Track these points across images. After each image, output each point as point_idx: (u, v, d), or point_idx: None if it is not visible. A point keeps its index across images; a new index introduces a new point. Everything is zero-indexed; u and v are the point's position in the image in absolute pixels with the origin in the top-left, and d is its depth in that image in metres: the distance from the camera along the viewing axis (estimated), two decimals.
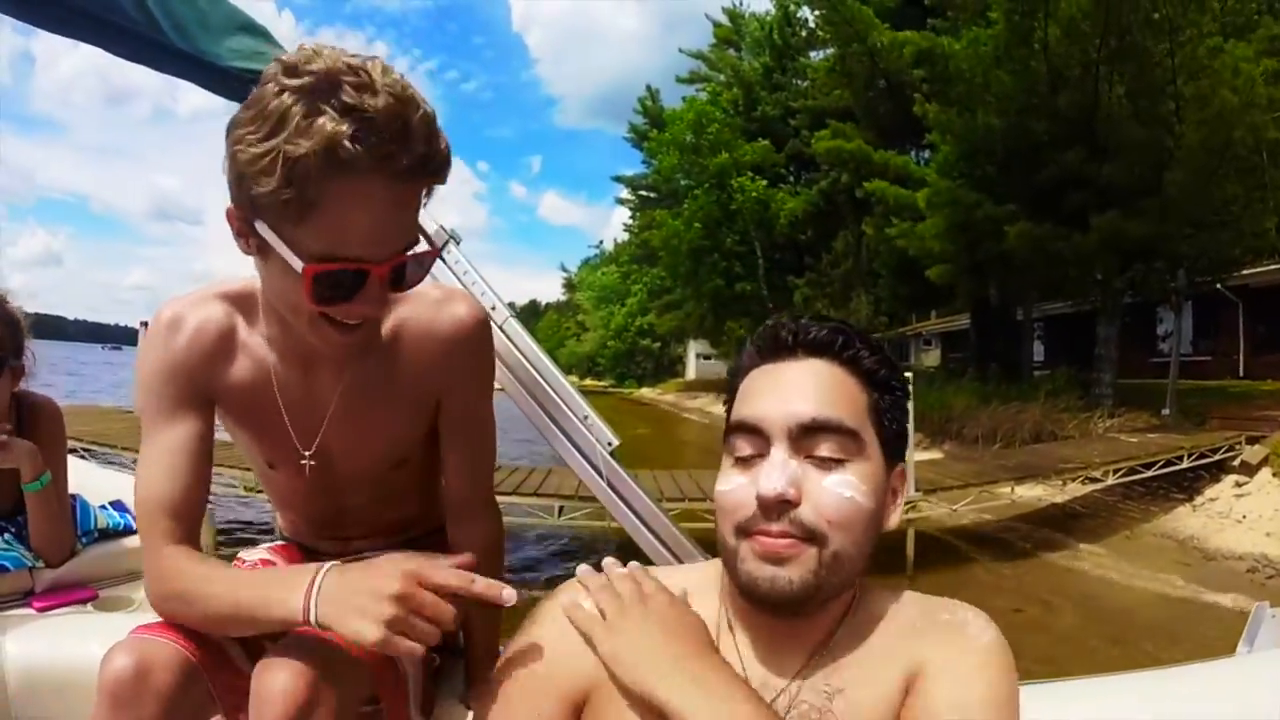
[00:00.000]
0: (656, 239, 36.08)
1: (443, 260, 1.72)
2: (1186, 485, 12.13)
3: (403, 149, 1.00)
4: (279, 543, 1.64)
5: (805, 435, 0.90)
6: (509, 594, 1.01)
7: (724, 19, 38.76)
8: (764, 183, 31.99)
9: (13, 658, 1.66)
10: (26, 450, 2.08)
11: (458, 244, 1.73)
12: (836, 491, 0.88)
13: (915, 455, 10.49)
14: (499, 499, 1.55)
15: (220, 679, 1.22)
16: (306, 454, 1.37)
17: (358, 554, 1.59)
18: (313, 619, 1.03)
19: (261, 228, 1.06)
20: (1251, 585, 9.00)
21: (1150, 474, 11.60)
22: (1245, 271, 17.43)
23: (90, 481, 2.72)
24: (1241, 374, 19.30)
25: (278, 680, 1.08)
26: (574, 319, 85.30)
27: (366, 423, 1.37)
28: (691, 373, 59.05)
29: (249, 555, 1.56)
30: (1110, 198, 15.01)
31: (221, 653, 1.24)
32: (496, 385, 1.52)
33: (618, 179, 46.15)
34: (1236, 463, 11.84)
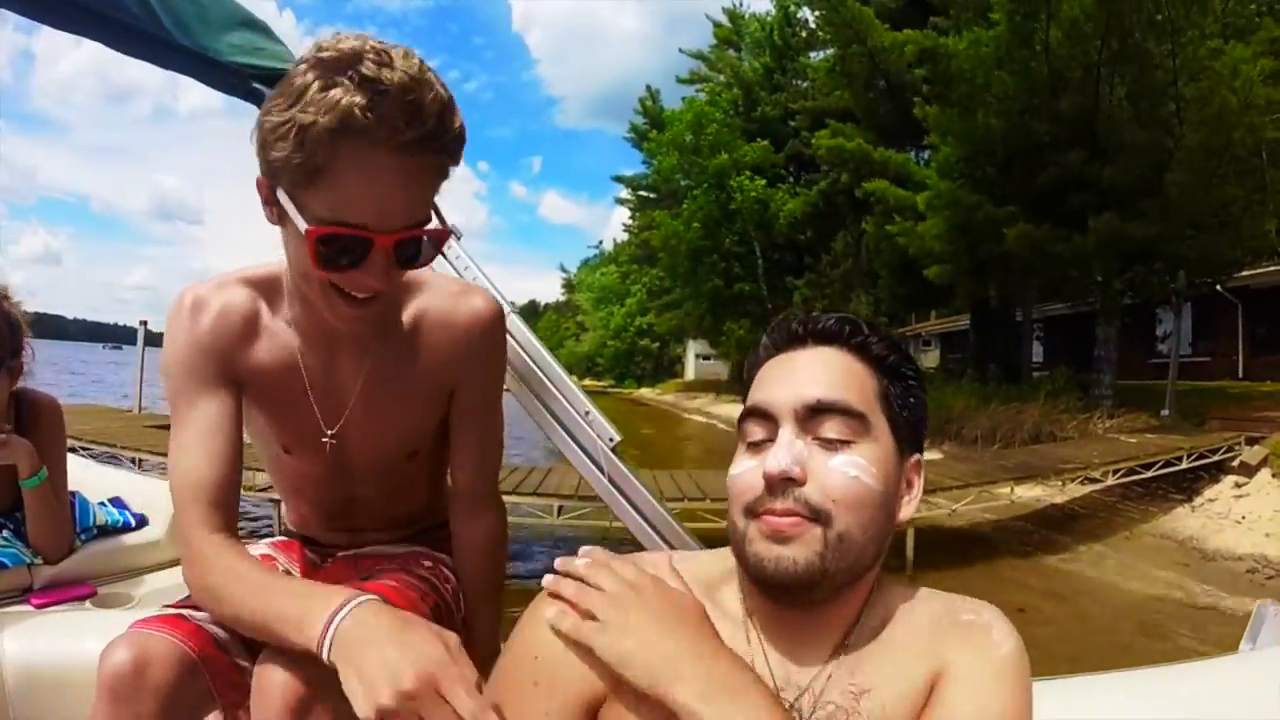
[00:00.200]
0: (656, 239, 36.10)
1: (443, 256, 1.72)
2: (1186, 486, 12.11)
3: (411, 122, 1.03)
4: (281, 538, 1.64)
5: (812, 416, 0.91)
6: None
7: (724, 19, 38.80)
8: (763, 183, 32.00)
9: (11, 654, 1.66)
10: (23, 447, 2.08)
11: (459, 239, 1.73)
12: (842, 471, 0.89)
13: None
14: None
15: (219, 674, 1.22)
16: (330, 433, 1.38)
17: (364, 546, 1.59)
18: (325, 655, 1.00)
19: (280, 195, 1.10)
20: (1251, 586, 8.99)
21: (1149, 475, 11.59)
22: (1244, 273, 17.42)
23: (89, 479, 2.72)
24: (1241, 375, 19.30)
25: (279, 676, 1.08)
26: (573, 319, 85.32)
27: (385, 409, 1.39)
28: (690, 373, 59.05)
29: (250, 550, 1.55)
30: (1110, 199, 15.01)
31: (221, 648, 1.24)
32: None
33: (618, 179, 46.20)
34: (1236, 463, 11.82)
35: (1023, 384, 19.52)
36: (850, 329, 0.97)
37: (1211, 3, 14.18)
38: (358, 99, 1.00)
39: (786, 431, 0.91)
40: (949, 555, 10.23)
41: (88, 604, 2.21)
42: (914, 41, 18.71)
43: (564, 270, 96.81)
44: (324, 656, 0.99)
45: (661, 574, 0.99)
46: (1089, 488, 11.93)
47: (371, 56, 1.02)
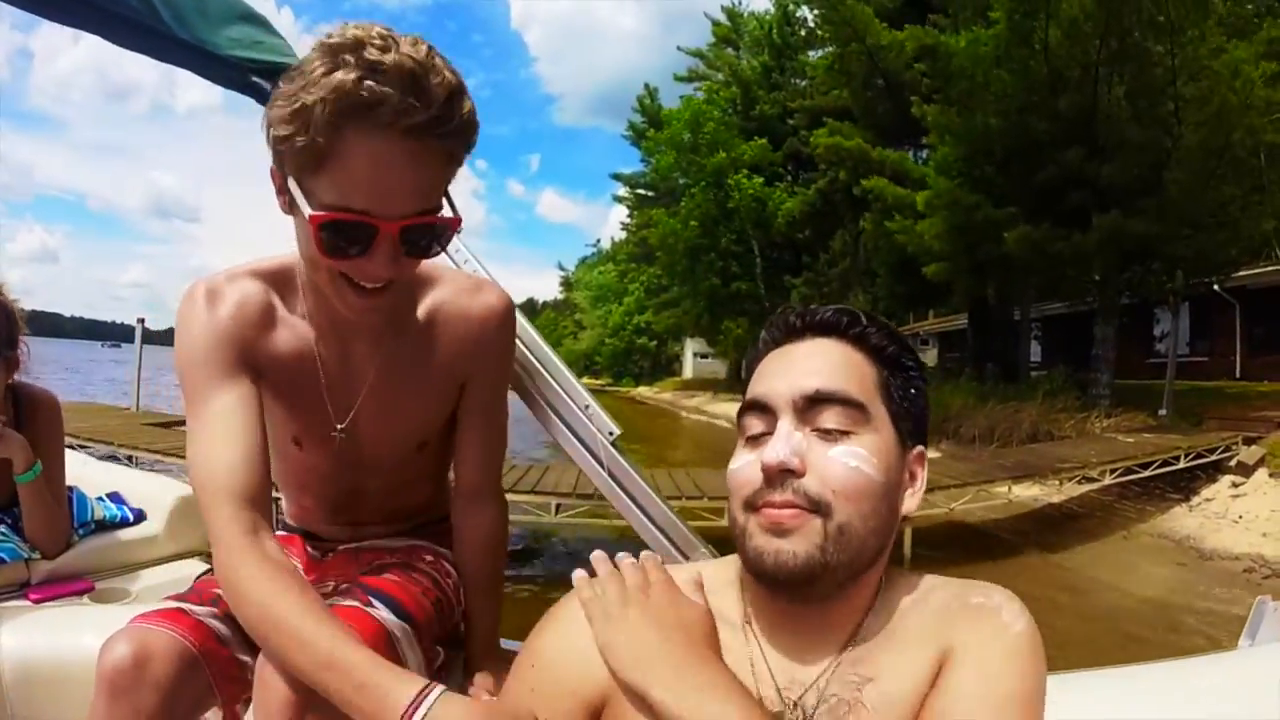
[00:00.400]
0: (654, 237, 36.11)
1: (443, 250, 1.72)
2: (1183, 485, 12.14)
3: (416, 104, 1.02)
4: (282, 532, 1.63)
5: (810, 407, 0.90)
6: None
7: (723, 18, 38.81)
8: (761, 181, 32.02)
9: (8, 649, 1.66)
10: (17, 442, 2.09)
11: (459, 234, 1.72)
12: (842, 461, 0.87)
13: None
14: None
15: (220, 669, 1.21)
16: (340, 426, 1.38)
17: (365, 540, 1.59)
18: None
19: (290, 182, 1.09)
20: (1248, 585, 9.00)
21: (1147, 474, 11.62)
22: (1242, 273, 17.45)
23: (88, 474, 2.73)
24: (1238, 375, 19.31)
25: (280, 670, 1.08)
26: (571, 317, 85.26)
27: (398, 401, 1.38)
28: (688, 371, 59.08)
29: None
30: (1109, 198, 15.02)
31: (221, 642, 1.23)
32: None
33: (616, 177, 46.16)
34: (1233, 463, 11.86)
35: (1020, 383, 19.55)
36: (848, 320, 0.97)
37: (1211, 3, 14.18)
38: (356, 76, 0.99)
39: (785, 423, 0.90)
40: (946, 554, 10.23)
41: (85, 599, 2.21)
42: (913, 39, 18.72)
43: (562, 269, 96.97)
44: None
45: (682, 583, 0.99)
46: (1086, 487, 11.93)
47: (377, 41, 1.01)
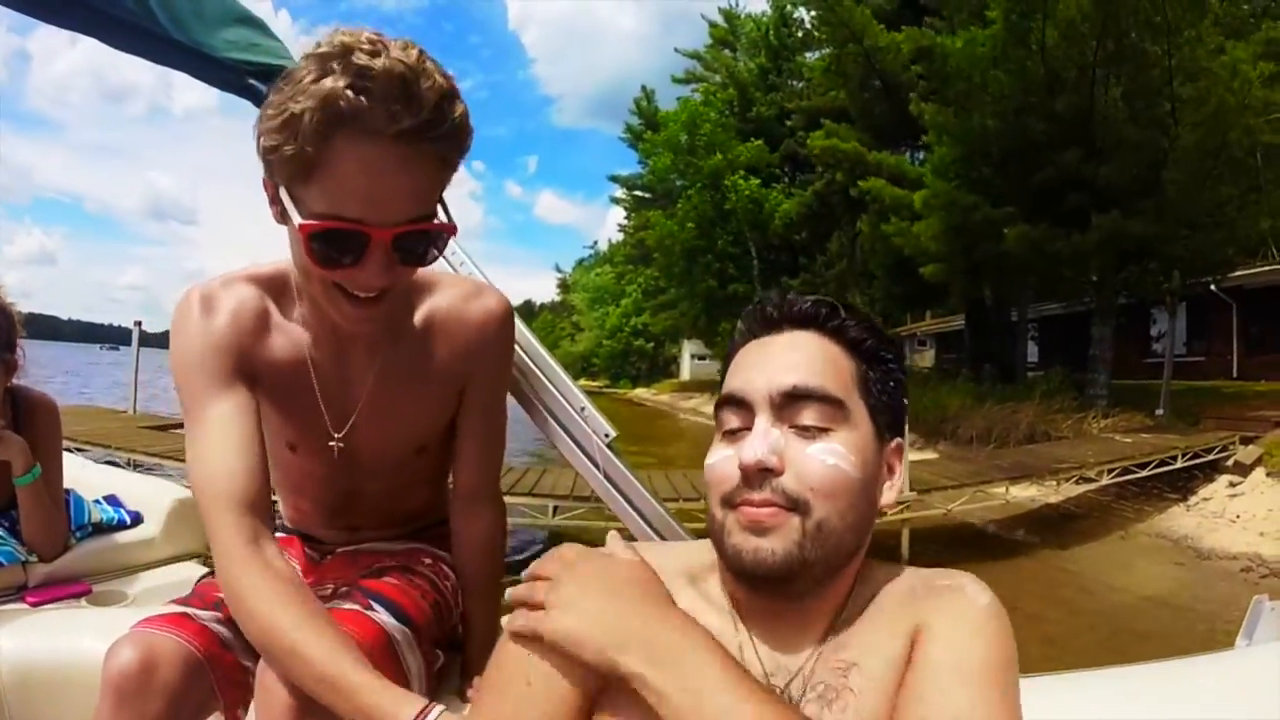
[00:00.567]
0: (651, 239, 36.07)
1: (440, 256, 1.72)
2: (1180, 485, 12.15)
3: (404, 110, 1.01)
4: (280, 535, 1.63)
5: (788, 404, 0.89)
6: None
7: (720, 19, 38.74)
8: (757, 182, 31.99)
9: (6, 652, 1.65)
10: (17, 444, 2.09)
11: (454, 239, 1.72)
12: (820, 459, 0.87)
13: (910, 455, 10.48)
14: None
15: (223, 675, 1.21)
16: (337, 436, 1.37)
17: (363, 544, 1.59)
18: None
19: (281, 192, 1.08)
20: (1245, 585, 9.01)
21: (1144, 474, 11.61)
22: (1239, 273, 17.50)
23: (85, 476, 2.72)
24: (1235, 374, 19.34)
25: (283, 676, 1.08)
26: (569, 319, 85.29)
27: (396, 407, 1.38)
28: (686, 373, 58.99)
29: None
30: (1106, 198, 15.04)
31: (226, 647, 1.23)
32: None
33: (613, 179, 45.99)
34: (1230, 463, 11.87)
35: (1018, 384, 19.57)
36: (827, 311, 0.95)
37: (1208, 3, 14.20)
38: (345, 85, 0.98)
39: (762, 420, 0.89)
40: (944, 555, 10.23)
41: (83, 601, 2.21)
42: (910, 40, 18.74)
43: (559, 270, 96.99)
44: None
45: (667, 567, 0.96)
46: (1084, 487, 11.93)
47: (365, 47, 1.00)
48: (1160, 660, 1.45)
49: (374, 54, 1.00)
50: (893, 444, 0.97)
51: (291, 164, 1.03)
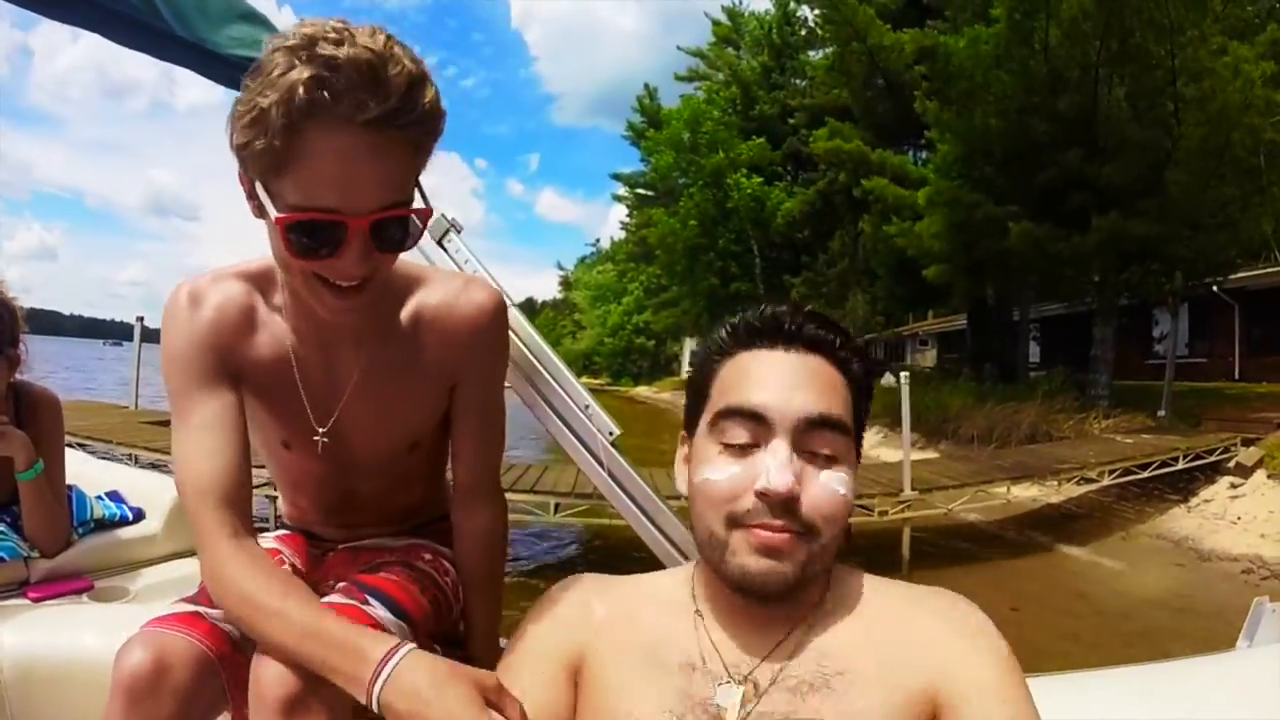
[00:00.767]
0: (653, 237, 36.10)
1: (444, 249, 1.72)
2: (1182, 487, 12.13)
3: (372, 97, 1.00)
4: (284, 531, 1.63)
5: (809, 430, 0.91)
6: None
7: (723, 17, 38.75)
8: (759, 181, 31.99)
9: (8, 648, 1.65)
10: (19, 440, 2.09)
11: (458, 233, 1.73)
12: (832, 488, 0.90)
13: (911, 454, 10.48)
14: None
15: (234, 674, 1.20)
16: (321, 430, 1.36)
17: (363, 540, 1.59)
18: (374, 704, 0.99)
19: (257, 187, 1.08)
20: (1246, 586, 9.00)
21: (1146, 475, 11.59)
22: (1241, 274, 17.47)
23: (87, 472, 2.73)
24: (1237, 376, 19.34)
25: (274, 668, 1.08)
26: (570, 317, 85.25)
27: (384, 403, 1.37)
28: (687, 371, 58.92)
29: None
30: (1109, 198, 15.01)
31: (236, 647, 1.23)
32: None
33: (615, 177, 46.06)
34: (1232, 464, 11.85)
35: (1019, 384, 19.54)
36: (841, 340, 0.97)
37: (1211, 4, 14.18)
38: (310, 75, 0.98)
39: (784, 445, 0.90)
40: (945, 555, 10.25)
41: (85, 597, 2.21)
42: (914, 39, 18.73)
43: (561, 268, 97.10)
44: (374, 704, 0.99)
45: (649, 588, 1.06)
46: (1085, 488, 11.92)
47: (331, 35, 0.99)
48: (1161, 661, 1.45)
49: (339, 43, 0.99)
50: None
51: (264, 158, 1.03)
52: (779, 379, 0.93)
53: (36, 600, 2.10)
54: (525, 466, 10.54)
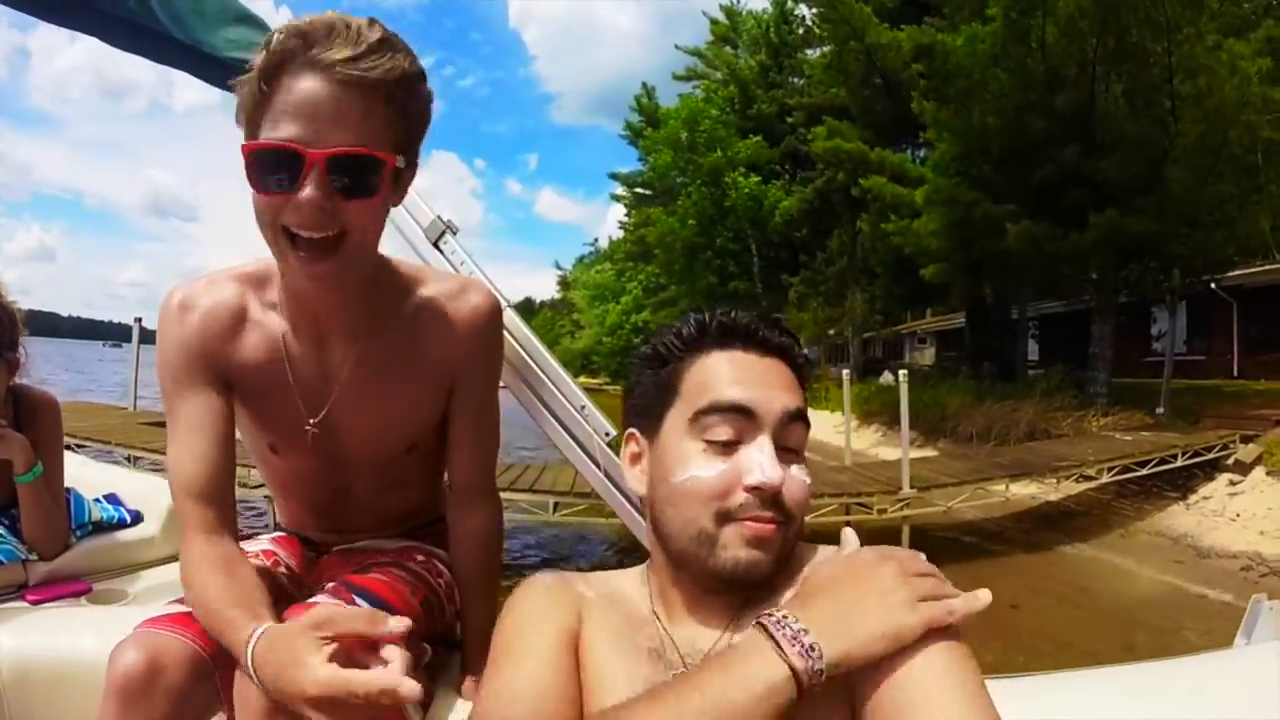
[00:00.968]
0: (651, 236, 36.09)
1: (440, 251, 1.72)
2: (1180, 484, 12.14)
3: (344, 43, 1.08)
4: (280, 534, 1.64)
5: (785, 425, 0.96)
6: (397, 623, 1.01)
7: (721, 16, 38.70)
8: (757, 179, 31.97)
9: (6, 651, 1.65)
10: (18, 442, 2.09)
11: (454, 234, 1.73)
12: (801, 479, 0.96)
13: (910, 453, 10.49)
14: None
15: (228, 675, 1.20)
16: (311, 421, 1.37)
17: (356, 544, 1.59)
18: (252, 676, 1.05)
19: (244, 136, 1.15)
20: (1245, 583, 9.01)
21: (1144, 472, 11.59)
22: (1239, 272, 17.51)
23: (85, 475, 2.72)
24: (1235, 374, 19.34)
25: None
26: (569, 316, 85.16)
27: (377, 399, 1.38)
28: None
29: (250, 547, 1.54)
30: (1107, 195, 15.01)
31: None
32: None
33: (613, 176, 46.00)
34: (1230, 461, 11.85)
35: (1018, 382, 19.55)
36: (797, 348, 1.03)
37: (1207, 1, 14.18)
38: (291, 31, 1.09)
39: (768, 440, 0.94)
40: (944, 552, 10.24)
41: (83, 600, 2.20)
42: (911, 37, 18.72)
43: (559, 268, 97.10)
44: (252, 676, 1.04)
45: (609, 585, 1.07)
46: (1084, 485, 11.93)
47: (326, 14, 1.11)
48: (1159, 659, 1.45)
49: (321, 18, 1.11)
50: None
51: (248, 106, 1.13)
52: (759, 378, 0.97)
53: (35, 603, 2.09)
54: (523, 467, 10.55)
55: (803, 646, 0.77)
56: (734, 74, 36.25)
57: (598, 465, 1.72)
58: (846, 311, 30.64)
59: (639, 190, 43.95)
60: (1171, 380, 15.62)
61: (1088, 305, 18.28)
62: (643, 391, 1.04)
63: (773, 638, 0.78)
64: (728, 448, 0.94)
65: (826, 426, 20.37)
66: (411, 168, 1.27)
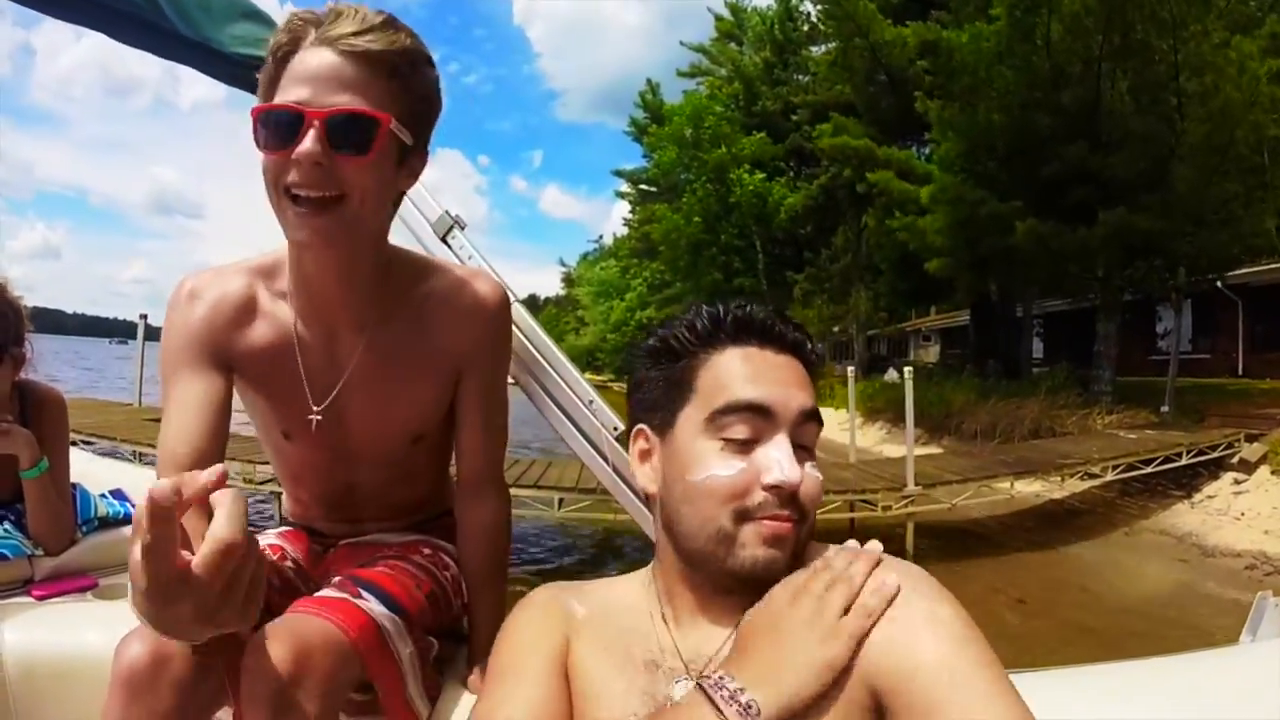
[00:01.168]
0: (656, 233, 36.10)
1: (448, 245, 1.72)
2: (1185, 482, 12.12)
3: (350, 20, 1.15)
4: (287, 528, 1.64)
5: (802, 424, 0.95)
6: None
7: (726, 13, 38.66)
8: (761, 176, 31.93)
9: (11, 646, 1.66)
10: (24, 438, 2.09)
11: (462, 229, 1.73)
12: (815, 476, 0.95)
13: (915, 450, 10.49)
14: None
15: (233, 666, 1.20)
16: (317, 409, 1.38)
17: (363, 537, 1.59)
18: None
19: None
20: (1249, 582, 9.01)
21: (1149, 471, 11.59)
22: (1244, 270, 17.44)
23: (91, 470, 2.72)
24: (1240, 372, 19.30)
25: (266, 654, 1.09)
26: (573, 313, 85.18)
27: (385, 389, 1.39)
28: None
29: (259, 540, 1.53)
30: (1112, 193, 14.98)
31: (234, 639, 1.23)
32: None
33: (618, 173, 45.99)
34: (1235, 460, 11.83)
35: (1022, 379, 19.54)
36: (810, 346, 1.02)
37: None
38: (301, 14, 1.18)
39: (786, 439, 0.93)
40: (948, 550, 10.24)
41: (89, 596, 2.21)
42: (916, 34, 18.69)
43: (564, 264, 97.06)
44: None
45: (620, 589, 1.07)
46: (1088, 483, 11.93)
47: (331, 5, 1.19)
48: (1164, 656, 1.45)
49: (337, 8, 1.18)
50: None
51: (263, 86, 1.21)
52: (776, 376, 0.96)
53: (41, 598, 2.10)
54: (529, 462, 10.57)
55: (740, 706, 0.78)
56: (739, 70, 36.20)
57: (605, 460, 1.72)
58: (851, 309, 30.63)
59: (643, 187, 43.95)
60: (1176, 379, 15.59)
61: (1093, 303, 18.24)
62: (652, 387, 1.02)
63: (711, 700, 0.79)
64: (745, 446, 0.92)
65: (831, 423, 20.32)
66: (421, 154, 1.29)
